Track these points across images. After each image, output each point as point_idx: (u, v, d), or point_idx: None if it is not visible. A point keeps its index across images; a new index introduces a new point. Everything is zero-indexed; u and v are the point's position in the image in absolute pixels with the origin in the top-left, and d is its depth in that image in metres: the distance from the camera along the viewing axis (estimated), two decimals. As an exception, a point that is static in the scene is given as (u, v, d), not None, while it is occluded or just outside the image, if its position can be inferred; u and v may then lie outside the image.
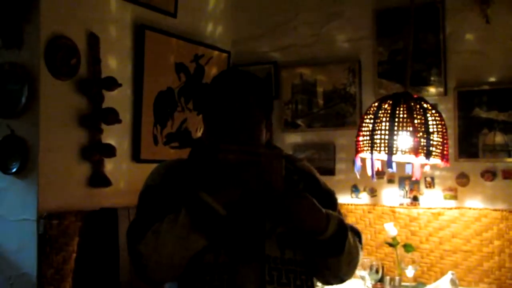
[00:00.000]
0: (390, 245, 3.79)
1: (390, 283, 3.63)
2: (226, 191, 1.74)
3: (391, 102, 3.16)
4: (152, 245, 1.71)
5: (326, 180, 2.14)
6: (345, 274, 1.94)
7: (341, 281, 1.98)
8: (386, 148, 3.08)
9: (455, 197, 3.86)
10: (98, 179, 3.42)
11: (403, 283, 3.62)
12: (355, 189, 4.18)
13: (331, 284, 2.04)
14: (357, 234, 1.98)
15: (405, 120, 3.08)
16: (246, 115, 1.86)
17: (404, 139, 3.07)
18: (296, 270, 1.83)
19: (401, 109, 3.10)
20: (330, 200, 1.99)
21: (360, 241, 1.97)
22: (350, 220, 4.12)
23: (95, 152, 3.39)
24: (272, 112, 2.00)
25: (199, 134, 4.19)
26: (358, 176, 3.38)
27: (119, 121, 3.49)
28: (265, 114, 1.93)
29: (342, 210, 4.03)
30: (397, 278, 3.64)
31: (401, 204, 4.03)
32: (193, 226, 1.69)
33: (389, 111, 3.12)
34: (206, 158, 1.86)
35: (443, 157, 3.13)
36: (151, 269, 1.74)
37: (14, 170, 3.15)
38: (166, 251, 1.70)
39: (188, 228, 1.69)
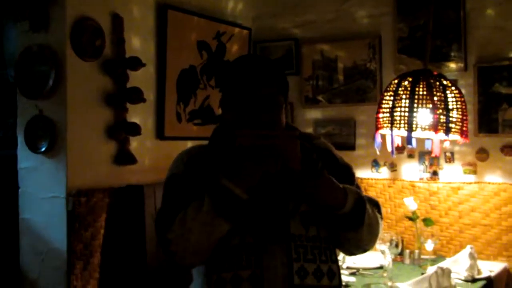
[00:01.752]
0: (410, 219, 3.84)
1: (409, 257, 3.70)
2: (246, 176, 1.79)
3: (411, 79, 3.18)
4: (179, 232, 1.78)
5: (346, 155, 2.20)
6: (367, 244, 2.00)
7: (364, 251, 2.04)
8: (406, 125, 3.11)
9: (474, 172, 3.89)
10: (124, 157, 3.49)
11: (422, 256, 3.68)
12: (375, 164, 4.23)
13: (354, 254, 2.11)
14: (376, 205, 2.03)
15: (424, 97, 3.10)
16: (270, 105, 1.90)
17: (423, 116, 3.10)
18: (321, 246, 1.89)
19: (421, 86, 3.12)
20: (347, 174, 2.04)
21: (379, 211, 2.03)
22: (370, 194, 4.16)
23: (121, 131, 3.46)
24: (288, 94, 2.03)
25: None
26: (378, 152, 3.44)
27: (144, 100, 3.54)
28: (285, 98, 1.98)
29: (362, 185, 4.15)
30: (416, 251, 3.71)
31: (421, 179, 4.07)
32: (217, 212, 1.76)
33: (409, 88, 3.15)
34: (224, 144, 1.92)
35: (462, 133, 3.16)
36: (180, 255, 1.81)
37: (43, 149, 3.23)
38: (193, 237, 1.77)
39: (212, 214, 1.76)
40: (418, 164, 4.09)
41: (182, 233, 1.78)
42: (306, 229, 1.88)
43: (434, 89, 3.12)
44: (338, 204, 1.86)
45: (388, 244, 3.23)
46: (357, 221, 1.89)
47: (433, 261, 3.53)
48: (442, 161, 4.00)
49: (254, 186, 1.80)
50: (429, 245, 3.63)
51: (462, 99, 3.17)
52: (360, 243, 1.97)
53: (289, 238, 1.84)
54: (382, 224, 2.04)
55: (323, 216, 1.90)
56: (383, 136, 3.32)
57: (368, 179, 4.24)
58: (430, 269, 3.18)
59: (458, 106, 3.13)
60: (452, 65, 3.93)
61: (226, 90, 1.99)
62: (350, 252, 2.09)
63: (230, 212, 1.77)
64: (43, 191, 3.26)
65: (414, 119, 3.10)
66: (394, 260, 3.34)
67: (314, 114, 4.49)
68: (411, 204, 3.84)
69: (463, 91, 3.35)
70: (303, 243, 1.86)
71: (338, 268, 1.95)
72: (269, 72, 1.95)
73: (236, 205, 1.77)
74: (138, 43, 3.65)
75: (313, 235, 1.88)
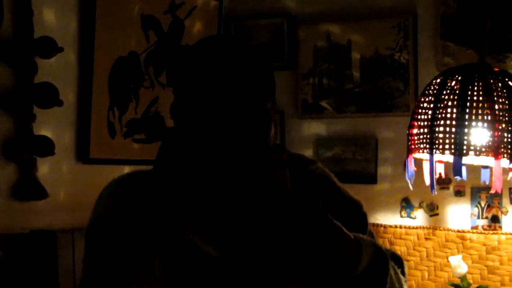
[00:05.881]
0: (458, 288, 3.89)
1: None
2: (215, 223, 1.74)
3: (460, 78, 3.21)
4: None
5: (362, 190, 2.20)
6: None
7: None
8: (453, 146, 3.14)
9: (555, 218, 3.96)
10: (28, 188, 3.48)
11: None
12: (406, 204, 4.28)
13: None
14: (399, 261, 2.03)
15: (481, 105, 3.14)
16: (252, 115, 1.87)
17: (479, 133, 3.13)
18: None
19: (476, 88, 3.16)
20: (356, 215, 2.07)
21: (403, 272, 2.03)
22: (398, 249, 4.20)
23: (24, 149, 3.44)
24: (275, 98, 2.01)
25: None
26: (411, 186, 3.45)
27: (59, 103, 3.54)
28: (272, 102, 1.95)
29: (387, 235, 4.18)
30: (467, 338, 3.74)
31: (475, 228, 4.12)
32: (174, 280, 1.72)
33: (457, 92, 3.18)
34: (180, 174, 1.84)
35: (537, 159, 3.20)
36: None
37: None
38: None
39: (167, 283, 1.72)
40: (470, 206, 4.15)
41: None
42: None
43: (495, 93, 3.16)
44: (348, 263, 1.84)
45: (424, 325, 3.26)
46: (376, 286, 1.89)
47: None
48: (506, 200, 4.06)
49: (228, 238, 1.76)
50: (486, 328, 3.66)
51: (536, 108, 3.21)
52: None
53: None
54: None
55: (327, 281, 1.87)
56: (418, 163, 3.36)
57: (396, 227, 4.29)
58: None
59: (531, 118, 3.18)
60: (522, 58, 4.00)
61: (181, 91, 1.96)
62: None
63: (195, 279, 1.74)
64: None
65: (465, 137, 3.13)
66: None
67: (315, 128, 4.55)
68: (459, 265, 3.85)
69: (538, 97, 3.40)
70: None
71: None
72: (250, 64, 1.92)
73: (203, 267, 1.73)
74: (53, 17, 3.67)
75: None
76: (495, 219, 4.08)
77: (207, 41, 2.01)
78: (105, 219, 1.90)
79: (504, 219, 4.07)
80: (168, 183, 1.89)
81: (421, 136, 3.25)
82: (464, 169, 3.20)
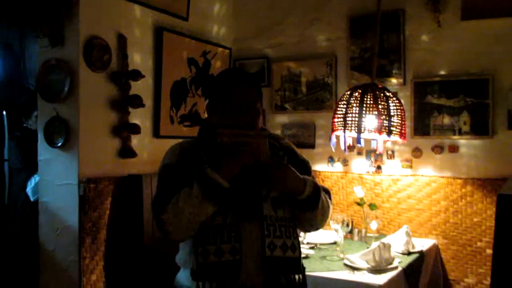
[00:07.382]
0: (358, 204, 3.85)
1: (358, 234, 3.72)
2: (227, 167, 1.81)
3: (360, 91, 3.17)
4: (172, 213, 1.79)
5: (307, 152, 2.20)
6: (319, 223, 2.04)
7: (316, 229, 2.08)
8: (356, 128, 3.11)
9: (410, 167, 3.90)
10: (126, 152, 3.44)
11: (368, 234, 3.69)
12: (330, 159, 4.21)
13: (309, 231, 2.15)
14: (328, 192, 2.08)
15: (371, 105, 3.10)
16: (250, 110, 1.94)
17: (370, 121, 3.10)
18: (286, 224, 1.92)
19: (369, 96, 3.12)
20: (306, 167, 2.08)
21: (330, 198, 2.07)
22: (326, 184, 4.15)
23: (124, 130, 3.41)
24: (262, 102, 2.06)
25: (206, 115, 4.20)
26: (333, 150, 3.42)
27: (143, 105, 3.50)
28: (261, 103, 2.01)
29: (320, 176, 4.13)
30: (363, 230, 3.73)
31: (368, 172, 4.06)
32: (204, 197, 1.77)
33: (358, 98, 3.14)
34: (209, 141, 1.93)
35: (401, 135, 3.16)
36: (173, 233, 1.82)
37: (59, 144, 3.19)
38: (184, 218, 1.78)
39: (200, 199, 1.77)
40: (365, 160, 4.08)
41: (175, 214, 1.78)
42: (275, 211, 1.90)
43: (379, 99, 3.12)
44: (298, 191, 1.91)
45: (340, 224, 3.24)
46: (313, 205, 1.94)
47: (377, 238, 3.55)
48: (384, 157, 3.99)
49: (234, 176, 1.82)
50: (373, 225, 3.65)
51: (402, 107, 3.17)
52: (314, 222, 2.00)
53: (262, 218, 1.87)
54: (332, 208, 2.08)
55: (287, 200, 1.93)
56: (337, 137, 3.30)
57: (325, 172, 4.22)
58: (374, 244, 3.17)
59: (398, 113, 3.14)
60: (394, 80, 3.93)
61: (212, 96, 2.00)
62: (305, 229, 2.13)
63: (215, 197, 1.78)
64: (59, 179, 3.21)
65: (363, 123, 3.09)
66: (345, 237, 3.35)
67: (282, 119, 4.46)
68: (359, 192, 3.84)
69: (402, 101, 3.36)
70: (273, 222, 1.88)
71: (299, 242, 1.98)
72: (249, 82, 1.98)
73: (220, 191, 1.79)
74: (139, 58, 3.60)
75: (280, 216, 1.91)
76: (379, 168, 4.02)
77: (223, 72, 2.12)
78: (169, 165, 1.93)
79: (383, 167, 4.00)
80: (202, 146, 1.95)
81: (339, 122, 3.20)
82: (362, 140, 3.15)
